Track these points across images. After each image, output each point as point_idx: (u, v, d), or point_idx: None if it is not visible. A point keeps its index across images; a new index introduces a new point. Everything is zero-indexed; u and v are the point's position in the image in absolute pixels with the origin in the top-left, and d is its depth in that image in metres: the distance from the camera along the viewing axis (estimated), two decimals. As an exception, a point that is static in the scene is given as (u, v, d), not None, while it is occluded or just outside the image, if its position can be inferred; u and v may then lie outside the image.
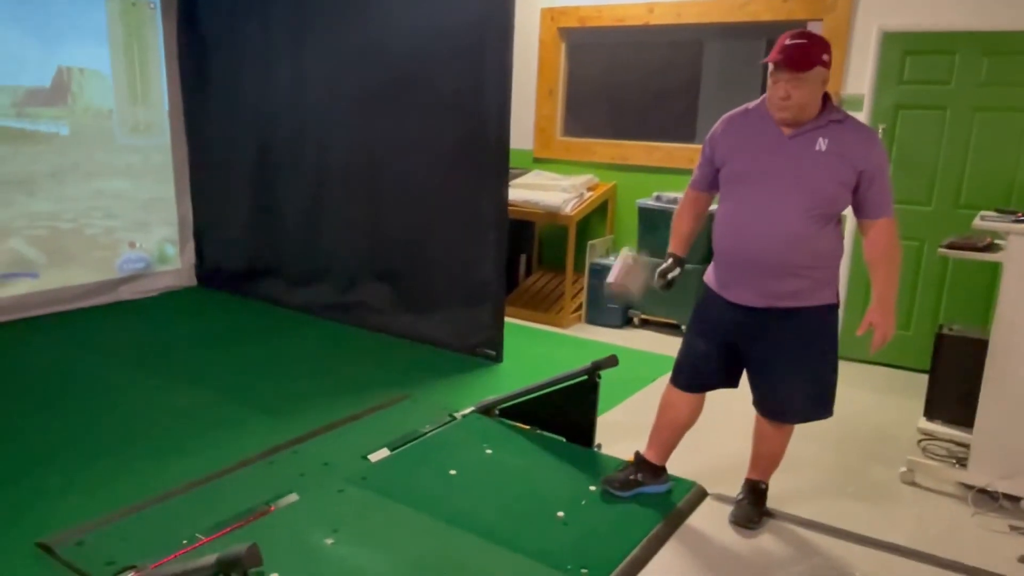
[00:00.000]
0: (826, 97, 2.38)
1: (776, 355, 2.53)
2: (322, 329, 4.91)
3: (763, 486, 2.81)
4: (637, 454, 2.89)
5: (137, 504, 2.64)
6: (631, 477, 2.84)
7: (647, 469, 2.85)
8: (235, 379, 3.96)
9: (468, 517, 2.63)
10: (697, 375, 2.69)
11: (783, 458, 2.80)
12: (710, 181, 2.59)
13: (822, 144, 2.34)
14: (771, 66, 2.32)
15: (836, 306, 2.52)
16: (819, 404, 2.59)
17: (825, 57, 2.29)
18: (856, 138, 2.35)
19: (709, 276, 2.63)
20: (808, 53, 2.27)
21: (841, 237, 2.48)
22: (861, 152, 2.33)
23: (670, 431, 2.81)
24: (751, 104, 2.51)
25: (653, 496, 2.82)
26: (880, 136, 2.46)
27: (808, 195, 2.34)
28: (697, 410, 2.77)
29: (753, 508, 2.76)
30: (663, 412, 2.81)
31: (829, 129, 2.35)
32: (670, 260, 2.66)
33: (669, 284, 2.63)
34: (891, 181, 2.43)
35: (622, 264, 2.82)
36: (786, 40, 2.29)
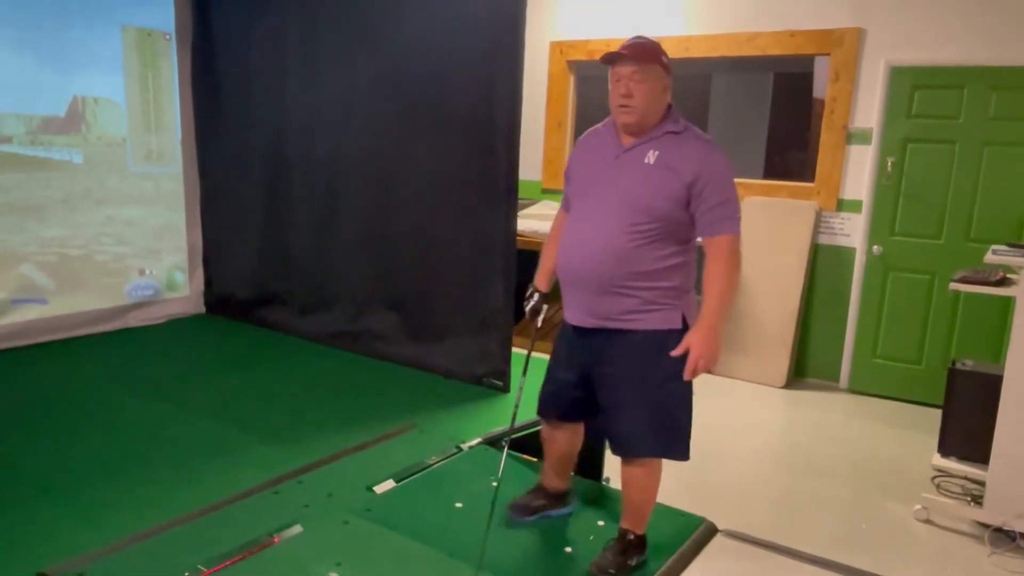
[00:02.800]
0: (669, 109, 2.35)
1: (613, 380, 2.39)
2: (329, 357, 4.90)
3: (631, 536, 2.52)
4: (540, 481, 2.87)
5: (139, 534, 2.61)
6: (536, 503, 2.81)
7: (551, 495, 2.83)
8: (241, 407, 3.94)
9: (474, 551, 2.58)
10: (557, 405, 2.61)
11: (795, 499, 2.75)
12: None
13: (651, 157, 2.28)
14: (611, 70, 2.32)
15: (679, 332, 2.32)
16: (664, 439, 2.38)
17: (664, 59, 2.29)
18: (688, 150, 2.27)
19: None
20: (647, 48, 2.28)
21: (684, 258, 2.35)
22: (690, 164, 2.24)
23: (557, 460, 2.78)
24: (605, 121, 2.49)
25: (663, 533, 2.76)
26: (716, 153, 2.28)
27: (631, 210, 2.26)
28: (575, 438, 2.71)
29: (611, 557, 2.50)
30: (545, 444, 2.77)
31: (663, 141, 2.29)
32: (536, 297, 2.56)
33: (539, 320, 2.56)
34: (734, 196, 2.27)
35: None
36: (625, 42, 2.32)
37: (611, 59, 2.31)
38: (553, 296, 2.65)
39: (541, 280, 2.61)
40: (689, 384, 2.36)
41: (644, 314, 2.32)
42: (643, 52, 2.27)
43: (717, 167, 2.26)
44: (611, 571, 2.47)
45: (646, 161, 2.29)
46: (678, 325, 2.33)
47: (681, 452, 2.41)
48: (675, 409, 2.38)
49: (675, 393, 2.36)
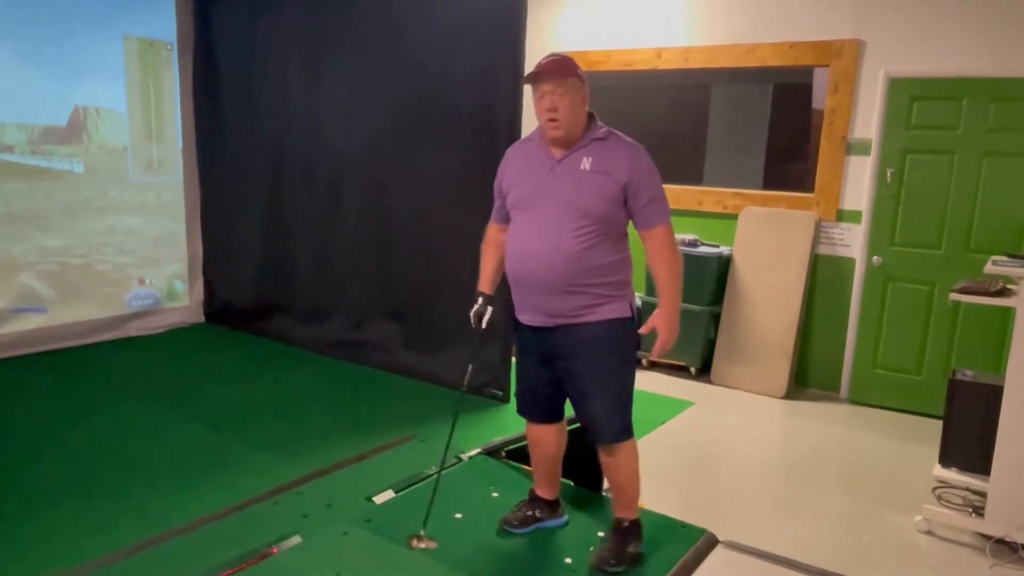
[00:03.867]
0: (591, 118, 2.49)
1: (576, 371, 2.51)
2: (329, 367, 4.90)
3: (625, 524, 2.65)
4: (531, 491, 2.89)
5: (140, 543, 2.60)
6: (528, 514, 2.84)
7: (543, 505, 2.85)
8: (241, 417, 3.94)
9: (473, 562, 2.58)
10: (535, 404, 2.71)
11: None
12: (505, 213, 2.65)
13: (586, 163, 2.42)
14: (534, 88, 2.43)
15: (628, 320, 2.51)
16: (627, 419, 2.54)
17: (579, 72, 2.43)
18: (618, 153, 2.43)
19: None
20: (564, 63, 2.42)
21: (624, 253, 2.51)
22: (623, 165, 2.40)
23: (546, 465, 2.82)
24: (529, 135, 2.62)
25: (664, 543, 2.76)
26: (643, 154, 2.48)
27: (577, 214, 2.40)
28: (560, 437, 2.78)
29: (610, 546, 2.62)
30: (532, 448, 2.83)
31: (592, 148, 2.44)
32: (480, 300, 2.65)
33: (485, 325, 2.63)
34: (663, 192, 2.47)
35: None
36: (541, 60, 2.44)
37: (533, 78, 2.43)
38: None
39: (485, 285, 2.70)
40: (632, 365, 2.56)
41: (597, 308, 2.45)
42: (562, 67, 2.41)
43: (646, 167, 2.44)
44: (612, 561, 2.54)
45: (582, 168, 2.43)
46: (628, 314, 2.51)
47: (628, 432, 2.56)
48: (626, 390, 2.54)
49: (625, 377, 2.54)
